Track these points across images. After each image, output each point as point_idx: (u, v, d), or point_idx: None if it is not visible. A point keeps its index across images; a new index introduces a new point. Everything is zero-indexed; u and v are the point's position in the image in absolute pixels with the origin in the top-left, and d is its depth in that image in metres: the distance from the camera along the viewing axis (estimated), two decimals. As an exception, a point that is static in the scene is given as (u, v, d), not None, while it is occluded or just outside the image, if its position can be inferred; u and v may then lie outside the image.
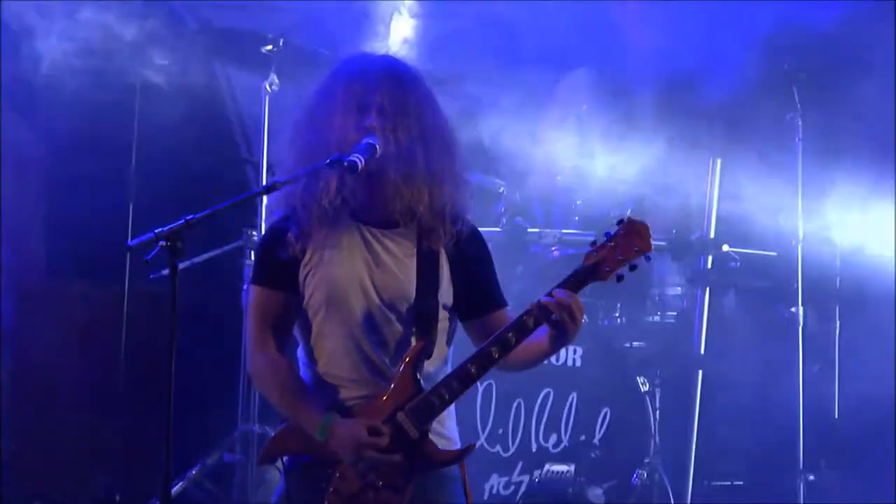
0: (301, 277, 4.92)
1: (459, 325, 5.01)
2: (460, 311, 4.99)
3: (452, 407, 4.96)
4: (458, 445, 4.96)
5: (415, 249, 4.92)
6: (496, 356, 4.76)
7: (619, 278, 4.80)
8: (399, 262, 4.91)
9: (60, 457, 7.99)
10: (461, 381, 4.78)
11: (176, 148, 8.40)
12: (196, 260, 7.45)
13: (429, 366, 4.88)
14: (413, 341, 4.86)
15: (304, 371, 4.98)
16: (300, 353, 5.02)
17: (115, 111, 8.33)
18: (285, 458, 4.92)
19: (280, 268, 4.92)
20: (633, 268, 4.80)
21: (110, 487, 7.53)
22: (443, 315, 4.92)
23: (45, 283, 8.43)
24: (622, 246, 4.78)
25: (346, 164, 4.75)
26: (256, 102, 7.70)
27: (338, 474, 4.82)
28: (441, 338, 4.93)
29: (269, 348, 4.93)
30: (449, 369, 4.92)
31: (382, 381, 4.85)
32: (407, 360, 4.82)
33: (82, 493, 7.66)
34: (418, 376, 4.82)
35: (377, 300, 4.88)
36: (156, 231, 4.48)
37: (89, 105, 8.17)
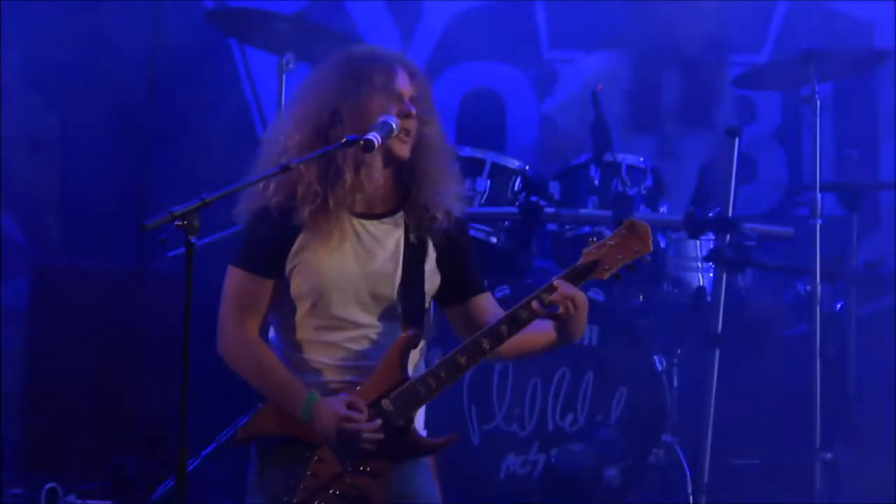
0: (289, 266, 4.90)
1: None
2: (440, 298, 5.00)
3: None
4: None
5: (402, 240, 4.92)
6: (487, 347, 4.77)
7: (617, 277, 4.80)
8: (387, 254, 4.91)
9: (75, 437, 7.99)
10: (450, 371, 4.78)
11: (192, 127, 8.40)
12: (213, 238, 7.43)
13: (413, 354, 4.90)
14: (400, 330, 4.86)
15: (279, 355, 4.96)
16: (274, 337, 5.00)
17: (131, 91, 8.32)
18: (258, 440, 4.92)
19: (267, 254, 4.90)
20: (629, 268, 4.79)
21: (125, 467, 7.53)
22: (428, 304, 4.95)
23: (59, 262, 8.42)
24: (622, 246, 4.76)
25: (362, 142, 4.76)
26: (273, 81, 7.68)
27: (317, 458, 4.81)
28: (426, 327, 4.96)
29: (245, 329, 4.92)
30: (420, 357, 4.94)
31: (365, 368, 4.86)
32: (395, 347, 4.82)
33: (97, 473, 7.65)
34: (405, 365, 4.82)
35: (364, 291, 4.88)
36: (171, 210, 4.47)
37: (106, 84, 8.18)
